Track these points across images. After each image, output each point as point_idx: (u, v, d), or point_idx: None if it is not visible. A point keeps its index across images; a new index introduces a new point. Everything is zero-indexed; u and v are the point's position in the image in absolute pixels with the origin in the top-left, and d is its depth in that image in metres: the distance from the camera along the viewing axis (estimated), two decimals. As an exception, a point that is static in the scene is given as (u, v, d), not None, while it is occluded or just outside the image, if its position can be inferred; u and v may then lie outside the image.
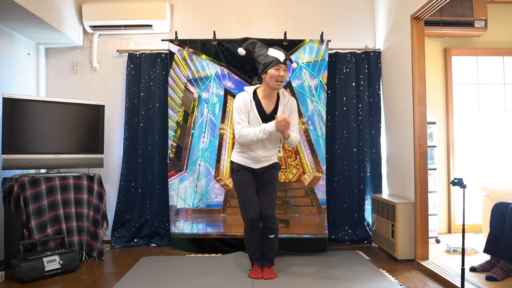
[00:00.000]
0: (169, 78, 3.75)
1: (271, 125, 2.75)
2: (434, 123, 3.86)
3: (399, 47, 3.53)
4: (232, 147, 3.67)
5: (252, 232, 2.92)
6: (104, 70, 4.09)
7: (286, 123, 2.70)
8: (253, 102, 2.87)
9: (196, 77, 3.74)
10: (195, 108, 3.74)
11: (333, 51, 4.00)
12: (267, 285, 2.74)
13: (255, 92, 2.92)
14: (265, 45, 2.95)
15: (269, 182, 2.94)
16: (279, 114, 2.84)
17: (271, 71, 2.77)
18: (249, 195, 2.90)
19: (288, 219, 3.60)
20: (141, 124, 3.90)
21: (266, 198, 2.91)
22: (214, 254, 3.55)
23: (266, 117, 2.87)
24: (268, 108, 2.89)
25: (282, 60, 2.78)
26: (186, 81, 3.74)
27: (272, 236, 2.92)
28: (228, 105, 3.71)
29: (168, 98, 3.75)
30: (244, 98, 2.88)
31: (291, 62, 2.95)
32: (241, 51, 2.95)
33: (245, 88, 2.97)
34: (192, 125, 3.73)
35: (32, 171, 3.67)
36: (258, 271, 2.92)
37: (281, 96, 2.92)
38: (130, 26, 3.91)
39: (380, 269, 3.06)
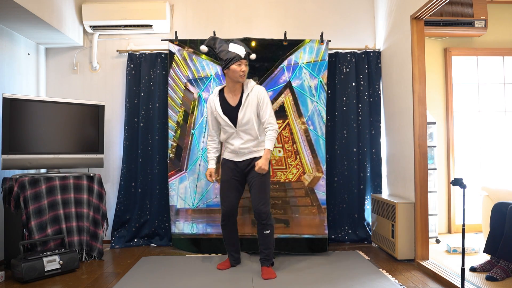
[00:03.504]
0: (169, 78, 3.75)
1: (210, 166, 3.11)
2: (434, 123, 3.86)
3: (399, 47, 3.53)
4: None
5: (224, 226, 3.08)
6: (104, 70, 4.09)
7: (261, 169, 2.88)
8: (217, 98, 3.01)
9: (196, 77, 3.74)
10: (195, 108, 3.74)
11: (333, 51, 4.00)
12: (267, 285, 2.74)
13: (222, 90, 3.06)
14: (225, 40, 3.01)
15: (257, 179, 2.96)
16: (243, 103, 2.94)
17: (233, 66, 2.87)
18: (225, 191, 3.05)
19: (288, 219, 3.60)
20: (141, 124, 3.90)
21: (256, 195, 2.96)
22: (214, 254, 3.55)
23: (232, 110, 2.97)
24: (233, 101, 2.99)
25: (243, 56, 2.89)
26: (186, 81, 3.74)
27: (267, 232, 2.95)
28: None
29: (168, 98, 3.75)
30: (209, 99, 3.08)
31: (250, 54, 3.05)
32: (203, 48, 3.00)
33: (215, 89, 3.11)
34: (192, 125, 3.73)
35: (32, 171, 3.68)
36: (225, 264, 3.13)
37: (245, 87, 2.99)
38: (130, 26, 3.91)
39: (380, 269, 3.06)
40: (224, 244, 3.17)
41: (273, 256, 3.04)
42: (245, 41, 3.69)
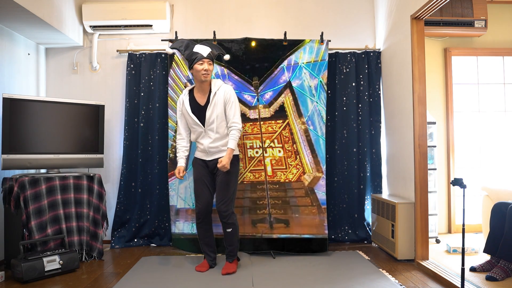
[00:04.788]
0: (169, 78, 3.75)
1: (179, 164, 3.11)
2: (434, 123, 3.86)
3: (399, 47, 3.53)
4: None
5: (199, 225, 3.10)
6: (104, 70, 4.09)
7: (223, 167, 2.91)
8: (187, 97, 3.08)
9: (196, 77, 3.73)
10: (195, 108, 3.73)
11: (333, 51, 4.00)
12: (267, 285, 2.74)
13: (192, 90, 3.14)
14: (193, 42, 3.09)
15: (223, 177, 3.03)
16: (210, 101, 3.01)
17: (196, 66, 2.96)
18: (198, 189, 3.09)
19: (288, 219, 3.60)
20: (141, 124, 3.90)
21: (219, 193, 3.04)
22: (214, 254, 3.55)
23: (201, 109, 3.04)
24: (201, 100, 3.06)
25: (205, 55, 2.96)
26: (186, 81, 3.74)
27: (229, 230, 3.05)
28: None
29: (168, 98, 3.75)
30: (180, 98, 3.14)
31: (223, 54, 3.14)
32: (169, 50, 3.15)
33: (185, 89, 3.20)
34: (192, 125, 3.73)
35: (32, 171, 3.68)
36: (204, 265, 3.11)
37: (212, 86, 3.06)
38: (130, 26, 3.91)
39: (380, 269, 3.06)
40: (200, 244, 3.17)
41: (237, 252, 3.15)
42: (245, 41, 3.70)
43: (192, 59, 2.97)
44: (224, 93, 3.04)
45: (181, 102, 3.10)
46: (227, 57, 3.18)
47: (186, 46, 3.04)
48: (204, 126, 3.02)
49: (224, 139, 3.05)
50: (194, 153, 3.28)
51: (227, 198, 3.03)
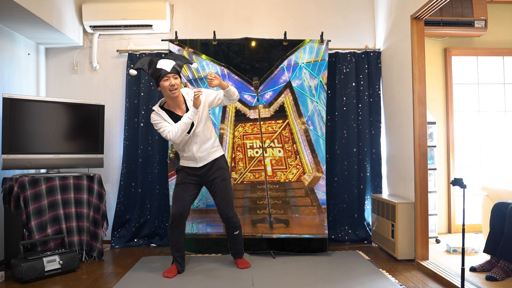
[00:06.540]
0: (169, 78, 3.74)
1: (190, 111, 2.82)
2: (434, 123, 3.86)
3: (399, 47, 3.53)
4: (233, 147, 3.68)
5: (172, 228, 2.99)
6: (104, 70, 4.09)
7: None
8: (163, 112, 2.92)
9: (196, 77, 3.74)
10: (195, 108, 3.73)
11: (333, 51, 4.00)
12: (267, 285, 2.74)
13: (162, 106, 2.98)
14: (156, 58, 2.93)
15: (221, 185, 3.03)
16: (190, 109, 2.85)
17: (161, 83, 2.83)
18: (179, 193, 3.01)
19: (288, 219, 3.60)
20: (141, 124, 3.90)
21: (223, 201, 3.04)
22: (214, 254, 3.55)
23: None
24: (180, 111, 2.95)
25: (169, 70, 2.82)
26: (186, 81, 3.74)
27: (236, 232, 3.13)
28: (228, 105, 3.70)
29: (168, 98, 3.75)
30: (154, 114, 2.93)
31: (191, 63, 3.01)
32: (132, 72, 2.92)
33: (153, 108, 3.00)
34: (192, 125, 3.73)
35: (32, 171, 3.68)
36: (172, 271, 2.98)
37: (185, 95, 2.98)
38: (130, 26, 3.91)
39: (380, 269, 3.06)
40: (171, 249, 3.05)
41: (243, 248, 3.24)
42: (245, 41, 3.70)
43: (156, 76, 2.83)
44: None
45: (161, 116, 2.91)
46: (194, 65, 3.04)
47: (149, 64, 2.88)
48: (188, 133, 2.91)
49: (210, 140, 3.00)
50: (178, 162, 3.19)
51: (231, 205, 3.08)
